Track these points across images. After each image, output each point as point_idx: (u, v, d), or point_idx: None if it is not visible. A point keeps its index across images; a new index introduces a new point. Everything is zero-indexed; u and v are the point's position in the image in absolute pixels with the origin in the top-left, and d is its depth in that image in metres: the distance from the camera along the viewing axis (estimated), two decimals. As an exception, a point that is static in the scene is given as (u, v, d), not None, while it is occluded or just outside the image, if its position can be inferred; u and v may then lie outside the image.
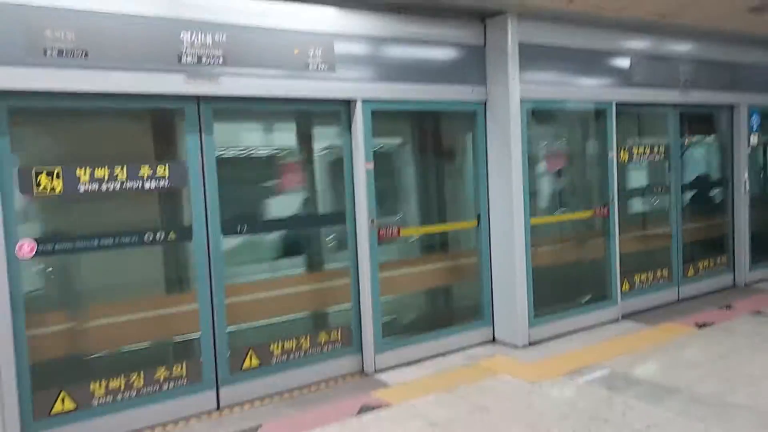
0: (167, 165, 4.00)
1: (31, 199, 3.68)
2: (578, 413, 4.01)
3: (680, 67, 6.54)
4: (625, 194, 6.60)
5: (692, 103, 6.71)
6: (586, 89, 5.86)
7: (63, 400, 3.72)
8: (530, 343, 5.43)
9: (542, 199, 6.19)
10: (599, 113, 6.03)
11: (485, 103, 5.42)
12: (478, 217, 5.50)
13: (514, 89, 5.25)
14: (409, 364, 5.03)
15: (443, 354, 5.24)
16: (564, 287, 6.04)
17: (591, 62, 5.88)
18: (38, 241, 3.61)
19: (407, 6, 4.85)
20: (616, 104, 6.01)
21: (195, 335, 4.22)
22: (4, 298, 3.47)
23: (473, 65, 5.33)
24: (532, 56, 5.38)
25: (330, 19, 4.52)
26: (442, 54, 5.16)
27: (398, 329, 5.24)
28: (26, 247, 3.57)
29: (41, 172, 3.58)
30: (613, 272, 6.10)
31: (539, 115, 5.65)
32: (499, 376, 4.74)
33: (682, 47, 6.55)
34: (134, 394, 3.96)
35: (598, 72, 5.95)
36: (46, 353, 3.81)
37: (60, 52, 3.53)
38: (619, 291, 6.11)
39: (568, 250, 6.28)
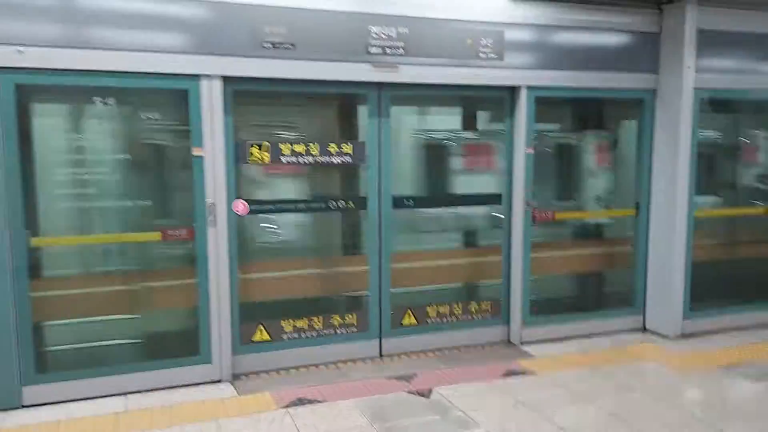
0: (351, 143, 4.63)
1: (245, 168, 4.49)
2: (726, 404, 4.04)
3: None
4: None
5: None
6: (769, 78, 5.54)
7: (261, 332, 4.58)
8: (683, 335, 5.40)
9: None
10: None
11: (654, 91, 5.38)
12: (637, 205, 5.52)
13: (688, 77, 5.16)
14: (554, 340, 5.30)
15: (589, 336, 5.41)
16: (726, 283, 5.84)
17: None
18: (249, 202, 4.44)
19: (582, -7, 4.99)
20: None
21: (364, 292, 4.87)
22: (224, 248, 4.34)
23: (644, 52, 5.30)
24: (709, 43, 5.22)
25: (501, 9, 4.81)
26: (612, 41, 5.21)
27: (546, 307, 5.49)
28: (241, 206, 4.42)
29: (253, 145, 4.39)
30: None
31: (715, 104, 5.48)
32: (646, 362, 4.84)
33: None
34: (314, 334, 4.72)
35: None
36: (250, 295, 4.67)
37: (274, 45, 4.26)
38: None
39: (736, 246, 6.02)
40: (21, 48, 3.72)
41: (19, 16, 3.71)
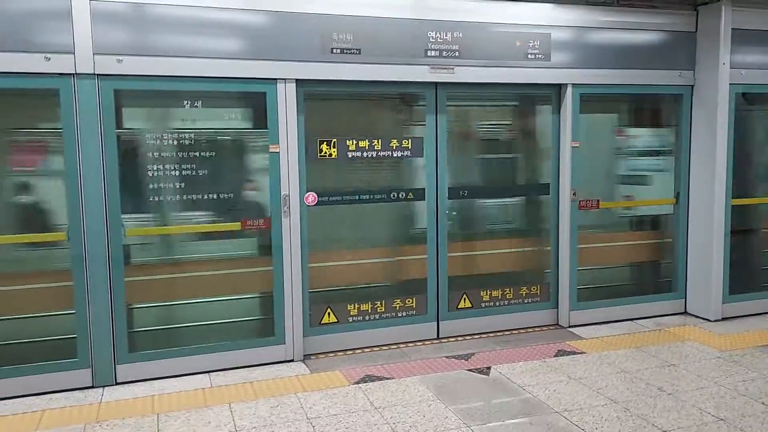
0: (410, 139, 5.00)
1: (315, 162, 4.86)
2: (765, 379, 4.31)
3: None
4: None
5: None
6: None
7: (329, 314, 4.95)
8: (723, 318, 5.68)
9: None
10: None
11: (692, 87, 5.67)
12: (677, 195, 5.81)
13: (724, 74, 5.45)
14: (600, 323, 5.60)
15: (633, 319, 5.71)
16: (762, 268, 6.10)
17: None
18: (318, 194, 4.82)
19: (622, -4, 5.31)
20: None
21: (423, 276, 5.22)
22: (297, 237, 4.71)
23: (682, 50, 5.61)
24: (744, 42, 5.52)
25: (547, 13, 5.15)
26: (651, 41, 5.51)
27: (592, 291, 5.79)
28: (311, 198, 4.79)
29: (323, 141, 4.76)
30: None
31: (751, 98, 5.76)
32: (688, 342, 5.12)
33: None
34: (377, 317, 5.08)
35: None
36: (319, 281, 5.05)
37: (342, 50, 4.64)
38: (825, 278, 6.04)
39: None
40: (120, 57, 4.14)
41: (118, 27, 4.13)
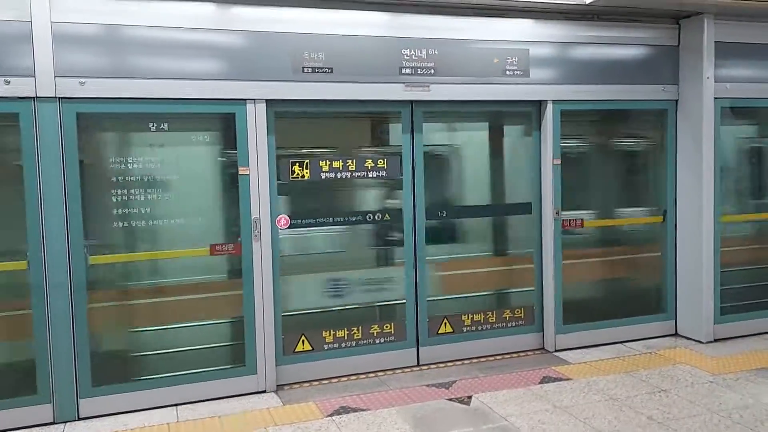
0: (385, 159, 4.85)
1: (287, 184, 4.70)
2: (762, 407, 4.11)
3: None
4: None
5: None
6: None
7: (303, 342, 4.75)
8: (715, 340, 5.48)
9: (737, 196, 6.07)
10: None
11: (676, 102, 5.55)
12: (665, 212, 5.65)
13: (708, 88, 5.33)
14: (587, 347, 5.40)
15: (622, 342, 5.51)
16: (754, 288, 5.92)
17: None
18: (291, 217, 4.65)
19: (602, 12, 5.18)
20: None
21: (401, 301, 5.03)
22: (268, 261, 4.54)
23: (665, 65, 5.49)
24: (727, 55, 5.41)
25: (526, 29, 5.04)
26: (633, 55, 5.40)
27: (579, 314, 5.60)
28: (283, 221, 4.63)
29: (295, 163, 4.62)
30: (815, 276, 5.86)
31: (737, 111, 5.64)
32: (680, 366, 4.92)
33: None
34: (354, 344, 4.88)
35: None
36: (299, 306, 4.85)
37: (313, 69, 4.51)
38: (820, 295, 5.86)
39: (760, 251, 6.11)
40: (83, 79, 4.01)
41: (81, 50, 4.00)
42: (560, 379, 4.69)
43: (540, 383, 4.63)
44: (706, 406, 4.14)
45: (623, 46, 5.35)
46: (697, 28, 5.34)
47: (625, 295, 5.97)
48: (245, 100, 4.37)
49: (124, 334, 4.54)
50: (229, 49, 4.34)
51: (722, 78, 5.40)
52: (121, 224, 4.28)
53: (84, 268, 4.10)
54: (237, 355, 4.57)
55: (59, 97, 3.98)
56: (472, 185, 5.69)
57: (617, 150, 6.01)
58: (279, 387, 4.63)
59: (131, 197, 4.28)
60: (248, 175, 4.43)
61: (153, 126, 4.32)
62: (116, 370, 4.39)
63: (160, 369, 4.44)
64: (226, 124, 4.44)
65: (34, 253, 3.99)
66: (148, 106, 4.20)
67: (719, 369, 4.83)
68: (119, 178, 4.27)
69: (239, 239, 4.47)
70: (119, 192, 4.26)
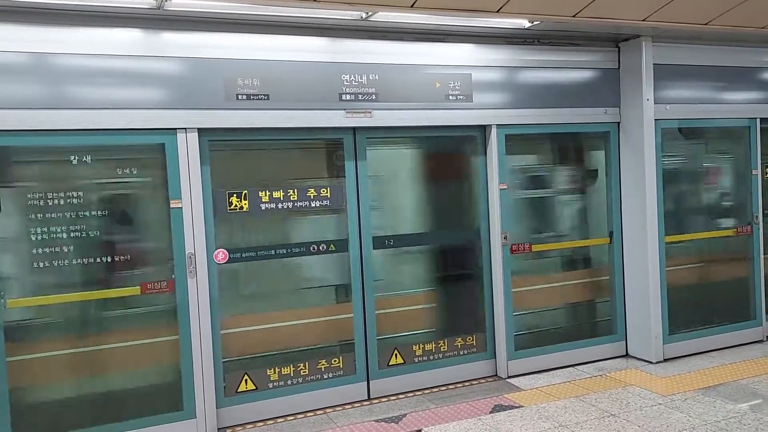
0: (329, 187, 4.70)
1: (224, 216, 4.50)
2: (707, 426, 4.09)
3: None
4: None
5: None
6: (725, 107, 5.80)
7: (246, 381, 4.52)
8: (665, 360, 5.49)
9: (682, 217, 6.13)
10: (740, 130, 5.94)
11: (618, 124, 5.59)
12: (611, 234, 5.66)
13: (648, 110, 5.38)
14: (540, 372, 5.33)
15: (574, 365, 5.46)
16: (701, 306, 5.98)
17: (731, 79, 5.81)
18: (230, 251, 4.44)
19: (542, 36, 5.19)
20: (761, 120, 5.90)
21: (350, 339, 4.86)
22: (205, 298, 4.32)
23: (606, 88, 5.53)
24: (667, 77, 5.48)
25: (468, 54, 4.99)
26: (575, 78, 5.42)
27: (530, 339, 5.52)
28: (221, 255, 4.41)
29: (233, 194, 4.42)
30: (757, 292, 5.95)
31: (674, 133, 5.71)
32: (630, 388, 4.89)
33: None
34: (300, 381, 4.67)
35: (739, 89, 5.86)
36: (234, 346, 4.62)
37: (248, 96, 4.34)
38: (763, 311, 5.95)
39: (706, 269, 6.19)
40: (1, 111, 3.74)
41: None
42: (512, 407, 4.59)
43: (491, 412, 4.51)
44: (654, 429, 4.10)
45: (565, 69, 5.37)
46: (635, 50, 5.41)
47: (577, 318, 5.95)
48: (176, 129, 4.17)
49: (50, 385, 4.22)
50: (158, 77, 4.14)
51: (662, 99, 5.47)
52: (41, 264, 3.98)
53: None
54: (174, 398, 4.31)
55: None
56: (420, 212, 5.57)
57: (565, 172, 6.01)
58: (221, 430, 4.38)
59: (52, 235, 4.00)
60: (180, 207, 4.21)
61: (76, 159, 4.06)
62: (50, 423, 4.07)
63: (97, 417, 4.14)
64: (157, 154, 4.22)
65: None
66: (67, 138, 3.93)
67: (668, 390, 4.82)
68: (40, 215, 3.99)
69: (173, 276, 4.24)
70: (39, 230, 3.97)
